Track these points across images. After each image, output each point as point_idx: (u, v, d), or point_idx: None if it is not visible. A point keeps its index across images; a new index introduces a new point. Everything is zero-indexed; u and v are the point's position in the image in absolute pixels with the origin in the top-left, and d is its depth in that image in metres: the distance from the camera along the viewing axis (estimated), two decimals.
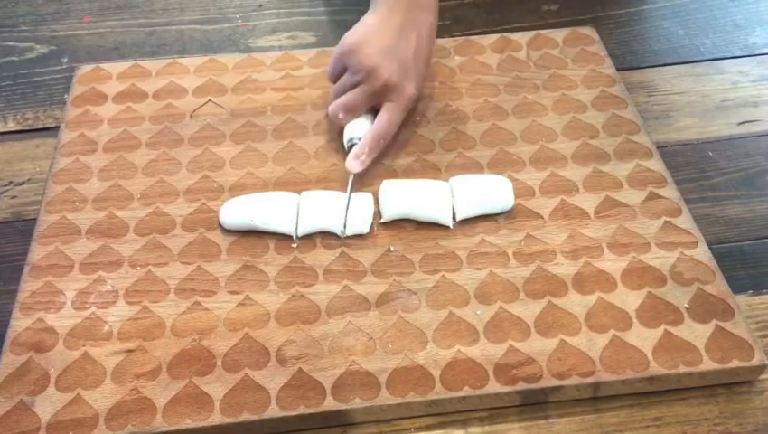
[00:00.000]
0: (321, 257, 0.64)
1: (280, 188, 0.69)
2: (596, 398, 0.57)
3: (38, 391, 0.56)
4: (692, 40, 0.85)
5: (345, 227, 0.63)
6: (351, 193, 0.66)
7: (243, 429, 0.55)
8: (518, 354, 0.57)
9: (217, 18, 0.90)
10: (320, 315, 0.60)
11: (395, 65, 0.68)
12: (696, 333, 0.58)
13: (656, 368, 0.56)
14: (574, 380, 0.56)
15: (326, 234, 0.65)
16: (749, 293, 0.63)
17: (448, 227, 0.66)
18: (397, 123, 0.70)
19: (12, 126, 0.78)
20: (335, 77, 0.72)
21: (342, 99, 0.70)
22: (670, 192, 0.68)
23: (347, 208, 0.64)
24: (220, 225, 0.66)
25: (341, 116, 0.70)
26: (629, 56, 0.84)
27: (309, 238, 0.65)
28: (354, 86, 0.69)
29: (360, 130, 0.70)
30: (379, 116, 0.69)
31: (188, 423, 0.54)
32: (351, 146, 0.69)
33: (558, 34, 0.83)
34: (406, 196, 0.66)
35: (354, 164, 0.67)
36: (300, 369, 0.57)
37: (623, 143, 0.73)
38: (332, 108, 0.70)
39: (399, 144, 0.73)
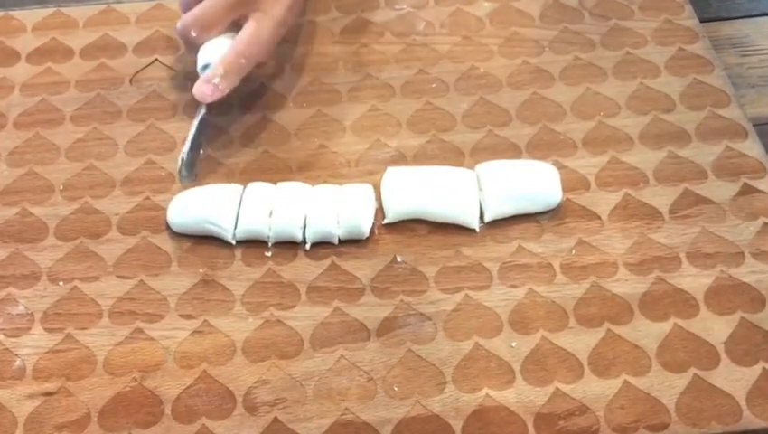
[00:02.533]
0: (304, 269, 0.64)
1: (250, 177, 0.69)
2: None
3: None
4: None
5: (182, 174, 0.63)
6: (194, 135, 0.65)
7: None
8: (566, 401, 0.57)
9: None
10: (302, 347, 0.60)
11: None
12: None
13: (752, 420, 0.56)
14: None
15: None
16: None
17: (474, 230, 0.66)
18: (266, 38, 0.70)
19: None
20: None
21: (195, 11, 0.69)
22: None
23: (183, 157, 0.63)
24: (169, 226, 0.66)
25: (193, 33, 0.69)
26: (716, 2, 0.84)
27: (288, 244, 0.65)
28: None
29: (218, 51, 0.69)
30: (243, 29, 0.69)
31: None
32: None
33: None
34: (417, 189, 0.66)
35: (205, 89, 0.67)
36: (276, 419, 0.57)
37: (708, 118, 0.73)
38: (180, 23, 0.70)
39: (408, 119, 0.73)
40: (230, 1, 0.69)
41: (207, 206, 0.64)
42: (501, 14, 0.81)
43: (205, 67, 0.69)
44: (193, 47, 0.71)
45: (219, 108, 0.73)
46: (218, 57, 0.69)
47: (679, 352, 0.59)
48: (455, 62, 0.77)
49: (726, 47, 0.80)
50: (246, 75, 0.69)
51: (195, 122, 0.66)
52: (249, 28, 0.69)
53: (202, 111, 0.67)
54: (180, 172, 0.62)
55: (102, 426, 0.57)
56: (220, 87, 0.67)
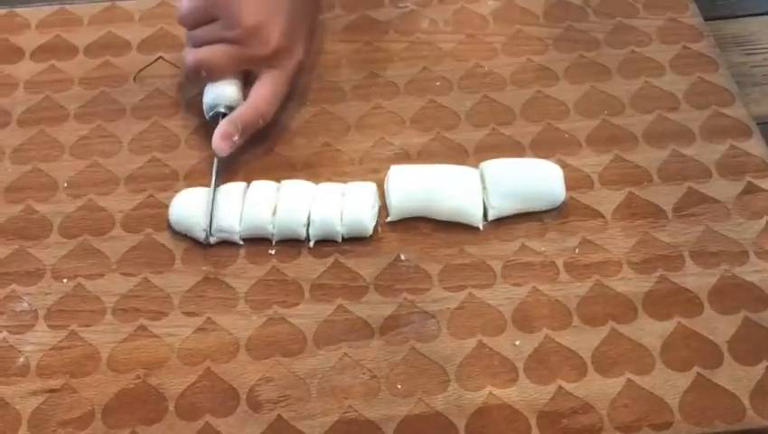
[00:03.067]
0: (307, 267, 0.64)
1: (254, 175, 0.69)
2: None
3: None
4: None
5: (210, 231, 0.64)
6: (216, 183, 0.66)
7: None
8: (570, 399, 0.57)
9: None
10: (306, 344, 0.60)
11: (284, 22, 0.68)
12: None
13: (755, 419, 0.56)
14: (645, 433, 0.56)
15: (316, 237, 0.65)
16: None
17: (477, 229, 0.66)
18: (282, 94, 0.70)
19: None
20: (193, 20, 0.70)
21: (207, 55, 0.69)
22: None
23: (212, 203, 0.64)
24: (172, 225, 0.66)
25: (203, 74, 0.69)
26: (720, 1, 0.84)
27: (291, 242, 0.65)
28: (224, 41, 0.69)
29: (228, 95, 0.69)
30: (259, 86, 0.69)
31: None
32: (215, 116, 0.69)
33: None
34: (421, 187, 0.66)
35: (224, 146, 0.67)
36: (279, 416, 0.57)
37: (712, 117, 0.73)
38: (190, 60, 0.69)
39: (412, 117, 0.73)
40: (245, 57, 0.69)
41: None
42: (505, 13, 0.81)
43: (214, 107, 0.69)
44: (195, 79, 0.71)
45: None
46: (226, 99, 0.69)
47: (682, 350, 0.59)
48: (459, 60, 0.77)
49: (731, 45, 0.80)
50: None
51: (213, 174, 0.67)
52: (266, 86, 0.69)
53: (216, 162, 0.67)
54: (207, 233, 0.64)
55: (106, 423, 0.57)
56: (236, 144, 0.68)
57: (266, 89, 0.69)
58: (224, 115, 0.69)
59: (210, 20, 0.69)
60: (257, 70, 0.70)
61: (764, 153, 0.70)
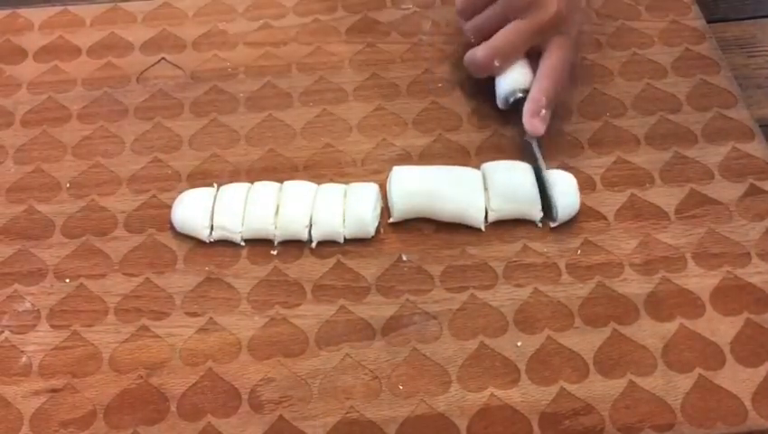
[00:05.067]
0: (309, 268, 0.64)
1: (256, 176, 0.69)
2: None
3: None
4: None
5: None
6: (544, 166, 0.66)
7: None
8: (571, 400, 0.57)
9: None
10: (307, 345, 0.60)
11: None
12: None
13: (757, 421, 0.56)
14: None
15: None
16: None
17: (479, 230, 0.66)
18: (572, 62, 0.70)
19: None
20: (473, 10, 0.72)
21: (497, 41, 0.70)
22: None
23: (545, 190, 0.65)
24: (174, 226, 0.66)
25: (497, 63, 0.70)
26: (723, 4, 0.84)
27: (294, 242, 0.65)
28: (505, 20, 0.70)
29: (523, 79, 0.70)
30: (547, 57, 0.69)
31: None
32: (516, 101, 0.70)
33: None
34: (423, 188, 0.66)
35: (536, 123, 0.68)
36: (281, 417, 0.57)
37: (715, 119, 0.73)
38: (482, 53, 0.70)
39: (414, 118, 0.73)
40: (535, 29, 0.69)
41: (217, 205, 0.65)
42: None
43: (512, 93, 0.70)
44: (491, 74, 0.71)
45: (225, 108, 0.74)
46: (523, 83, 0.70)
47: (684, 352, 0.59)
48: (462, 62, 0.77)
49: (733, 48, 0.80)
50: None
51: (539, 157, 0.67)
52: (555, 54, 0.69)
53: (536, 144, 0.68)
54: (554, 216, 0.65)
55: (108, 423, 0.57)
56: (546, 118, 0.68)
57: (556, 56, 0.69)
58: (522, 99, 0.69)
59: (486, 3, 0.70)
60: (543, 44, 0.70)
61: (767, 155, 0.70)
